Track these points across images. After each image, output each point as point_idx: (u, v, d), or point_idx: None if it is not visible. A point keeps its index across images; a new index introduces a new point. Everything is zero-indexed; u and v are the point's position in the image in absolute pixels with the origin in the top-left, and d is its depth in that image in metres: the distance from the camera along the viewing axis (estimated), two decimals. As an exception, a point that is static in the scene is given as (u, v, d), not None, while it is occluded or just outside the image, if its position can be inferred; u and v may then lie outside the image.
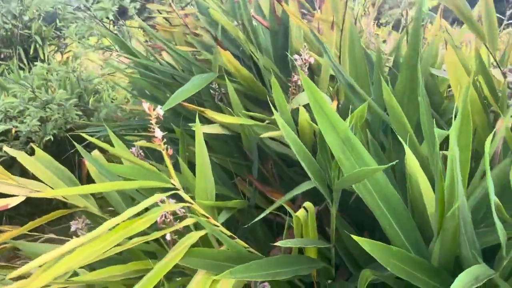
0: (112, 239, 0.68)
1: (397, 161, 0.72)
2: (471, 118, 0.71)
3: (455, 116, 1.07)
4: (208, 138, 1.26)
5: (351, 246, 0.94)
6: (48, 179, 1.12)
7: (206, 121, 1.24)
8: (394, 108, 0.81)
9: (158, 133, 0.75)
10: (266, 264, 0.76)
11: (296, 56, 1.31)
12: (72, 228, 1.28)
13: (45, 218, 1.16)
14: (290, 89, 1.19)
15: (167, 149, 0.78)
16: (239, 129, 1.18)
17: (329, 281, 0.91)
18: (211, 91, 1.43)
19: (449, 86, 1.59)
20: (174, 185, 0.79)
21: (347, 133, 0.71)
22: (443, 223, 0.66)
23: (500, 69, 1.23)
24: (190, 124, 1.10)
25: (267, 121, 1.16)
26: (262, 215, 0.94)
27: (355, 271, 0.95)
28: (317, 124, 0.97)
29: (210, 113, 1.14)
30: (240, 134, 1.20)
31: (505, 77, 1.14)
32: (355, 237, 0.66)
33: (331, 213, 0.80)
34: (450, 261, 0.74)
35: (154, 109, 0.78)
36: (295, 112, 1.19)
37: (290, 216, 0.93)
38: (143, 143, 1.04)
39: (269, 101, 1.37)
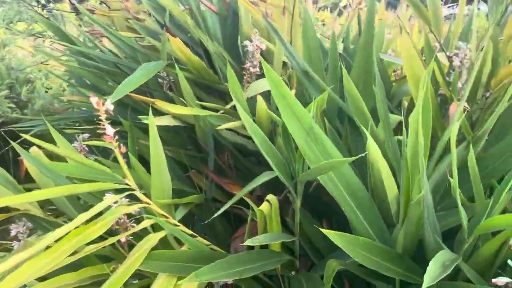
0: (65, 248, 0.62)
1: (365, 153, 0.71)
2: (431, 104, 0.71)
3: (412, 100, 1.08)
4: (159, 130, 1.20)
5: (314, 236, 0.93)
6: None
7: (155, 112, 1.18)
8: (353, 96, 0.80)
9: (110, 129, 0.69)
10: (231, 262, 0.73)
11: (247, 42, 1.27)
12: (13, 233, 1.18)
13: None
14: (244, 77, 1.15)
15: (119, 147, 0.72)
16: (192, 120, 1.13)
17: (293, 273, 0.90)
18: (159, 80, 1.36)
19: (394, 70, 1.63)
20: (129, 185, 0.73)
21: (310, 123, 0.70)
22: (408, 210, 0.66)
23: (445, 53, 1.27)
24: (140, 117, 1.04)
25: (221, 111, 1.12)
26: (221, 210, 0.90)
27: (318, 260, 0.95)
28: (275, 114, 0.95)
29: (160, 104, 1.08)
30: (193, 125, 1.16)
31: (451, 61, 1.18)
32: (324, 230, 0.64)
33: (295, 205, 0.79)
34: (413, 247, 0.75)
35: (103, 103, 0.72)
36: (249, 101, 1.16)
37: (251, 209, 0.91)
38: (94, 142, 0.96)
39: (222, 90, 1.33)
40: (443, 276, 0.57)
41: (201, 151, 1.23)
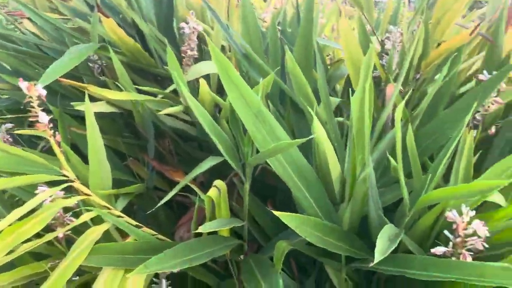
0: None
1: (312, 136, 0.72)
2: (373, 86, 0.73)
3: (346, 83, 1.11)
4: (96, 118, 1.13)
5: (261, 219, 0.93)
6: None
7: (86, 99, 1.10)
8: (297, 77, 0.81)
9: (43, 117, 0.63)
10: (179, 251, 0.71)
11: (183, 24, 1.23)
12: None
13: None
14: (183, 60, 1.11)
15: (54, 135, 0.66)
16: (129, 106, 1.07)
17: (241, 257, 0.90)
18: (90, 65, 1.28)
19: (327, 55, 1.66)
20: (66, 176, 0.68)
21: (259, 106, 0.69)
22: (354, 188, 0.69)
23: (377, 38, 1.32)
24: (73, 103, 0.97)
25: (160, 96, 1.08)
26: (165, 198, 0.88)
27: (265, 243, 0.95)
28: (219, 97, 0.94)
29: (94, 89, 1.02)
30: (130, 111, 1.10)
31: (383, 44, 1.23)
32: (276, 212, 0.65)
33: (243, 189, 0.78)
34: (357, 223, 0.78)
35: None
36: (189, 85, 1.13)
37: (198, 195, 0.89)
38: (26, 131, 0.88)
39: (158, 74, 1.28)
40: (391, 250, 0.60)
41: (139, 138, 1.17)
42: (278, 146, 0.65)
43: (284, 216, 0.65)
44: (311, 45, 0.97)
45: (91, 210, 0.71)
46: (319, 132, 0.74)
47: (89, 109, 0.78)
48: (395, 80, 0.94)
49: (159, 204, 0.89)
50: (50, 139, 0.65)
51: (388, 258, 0.77)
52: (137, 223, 0.76)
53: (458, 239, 0.70)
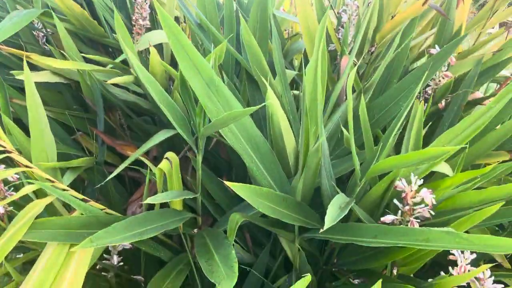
0: None
1: (263, 104, 0.70)
2: (326, 56, 0.72)
3: (304, 57, 1.10)
4: (38, 89, 1.06)
5: (215, 192, 0.92)
6: None
7: (31, 68, 1.03)
8: (253, 48, 0.79)
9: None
10: (129, 224, 0.69)
11: (133, -8, 1.17)
12: None
13: None
14: (134, 28, 1.07)
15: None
16: (76, 76, 1.02)
17: (195, 231, 0.89)
18: (34, 33, 1.20)
19: (285, 29, 1.65)
20: (4, 147, 0.63)
21: (211, 75, 0.67)
22: (307, 159, 0.68)
23: (334, 11, 1.32)
24: (13, 72, 0.90)
25: (110, 66, 1.03)
26: (116, 172, 0.84)
27: (219, 216, 0.95)
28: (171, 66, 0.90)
29: (37, 58, 0.96)
30: (77, 82, 1.05)
31: (339, 17, 1.22)
32: (229, 183, 0.63)
33: (196, 162, 0.76)
34: (310, 195, 0.79)
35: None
36: (140, 55, 1.09)
37: (149, 169, 0.87)
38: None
39: (108, 44, 1.22)
40: (340, 218, 0.60)
41: (88, 111, 1.12)
42: (231, 114, 0.63)
43: (236, 187, 0.64)
44: (267, 17, 0.95)
45: (33, 183, 0.67)
46: (273, 103, 0.73)
47: (29, 77, 0.73)
48: (350, 53, 0.94)
49: (108, 178, 0.86)
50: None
51: (338, 227, 0.79)
52: (84, 197, 0.73)
53: (407, 207, 0.72)
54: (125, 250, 0.92)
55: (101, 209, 0.77)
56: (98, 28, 1.13)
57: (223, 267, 0.65)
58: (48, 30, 1.20)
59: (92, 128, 1.05)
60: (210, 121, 0.70)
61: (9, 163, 0.85)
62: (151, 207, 0.96)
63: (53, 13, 0.97)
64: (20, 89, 1.09)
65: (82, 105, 1.14)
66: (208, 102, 0.67)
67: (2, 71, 1.19)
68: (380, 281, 0.59)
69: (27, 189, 0.65)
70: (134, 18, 1.18)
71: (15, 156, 0.64)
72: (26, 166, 0.65)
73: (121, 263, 0.91)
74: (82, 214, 0.72)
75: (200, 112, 0.68)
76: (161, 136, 0.95)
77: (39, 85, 1.08)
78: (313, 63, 0.73)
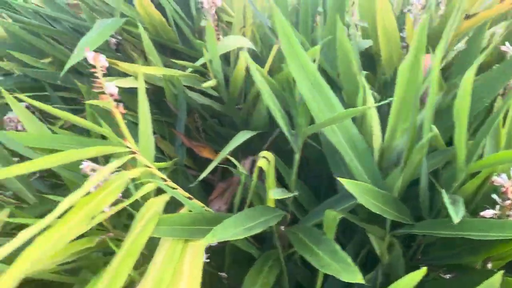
0: (78, 219, 0.56)
1: (376, 104, 0.72)
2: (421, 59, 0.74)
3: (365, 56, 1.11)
4: (120, 94, 1.11)
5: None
6: None
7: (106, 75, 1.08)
8: (346, 51, 0.81)
9: (111, 87, 0.62)
10: (238, 220, 0.72)
11: (202, -1, 1.21)
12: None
13: None
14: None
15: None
16: (157, 81, 1.06)
17: (282, 228, 0.91)
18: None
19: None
20: (130, 148, 0.67)
21: (316, 75, 0.69)
22: (411, 156, 0.70)
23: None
24: (108, 78, 0.95)
25: (189, 70, 1.07)
26: (210, 168, 0.87)
27: (300, 214, 0.97)
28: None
29: (123, 65, 1.00)
30: (155, 86, 1.09)
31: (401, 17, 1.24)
32: (341, 179, 0.66)
33: (294, 159, 0.79)
34: (403, 190, 0.81)
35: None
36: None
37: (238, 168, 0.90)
38: (97, 102, 0.86)
39: (176, 50, 1.26)
40: (463, 214, 0.62)
41: (165, 115, 1.16)
42: (336, 116, 0.65)
43: (347, 183, 0.67)
44: (343, 18, 0.97)
45: (152, 182, 0.71)
46: (370, 102, 0.75)
47: (142, 84, 0.76)
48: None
49: (201, 177, 0.89)
50: (116, 111, 0.64)
51: (432, 223, 0.80)
52: (189, 195, 0.77)
53: (508, 202, 0.73)
54: (210, 246, 0.95)
55: (202, 207, 0.81)
56: (171, 34, 1.17)
57: (334, 262, 0.67)
58: (121, 36, 1.25)
59: (172, 130, 1.09)
60: (312, 121, 0.73)
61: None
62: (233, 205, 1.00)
63: (138, 21, 1.01)
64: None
65: (157, 109, 1.18)
66: (312, 102, 0.70)
67: (80, 77, 1.26)
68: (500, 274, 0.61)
69: (148, 188, 0.69)
70: (202, 24, 1.22)
71: (139, 156, 0.68)
72: (147, 166, 0.69)
73: (208, 260, 0.94)
74: (190, 211, 0.76)
75: (303, 112, 0.71)
76: (242, 137, 0.98)
77: (121, 90, 1.13)
78: (407, 64, 0.75)
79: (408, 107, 0.75)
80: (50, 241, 0.52)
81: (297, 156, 0.78)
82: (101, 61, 0.61)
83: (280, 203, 0.88)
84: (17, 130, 1.25)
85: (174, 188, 0.73)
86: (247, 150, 1.11)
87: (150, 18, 1.07)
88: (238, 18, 1.22)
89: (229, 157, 0.92)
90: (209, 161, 1.13)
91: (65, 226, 0.54)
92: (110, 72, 1.12)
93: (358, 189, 0.68)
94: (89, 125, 0.69)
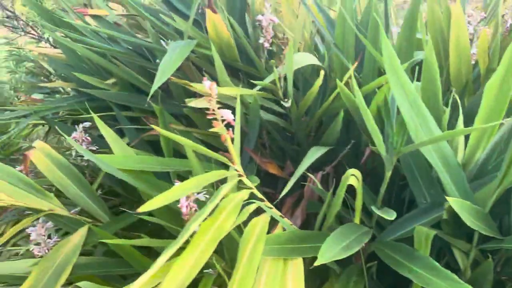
0: (204, 245, 0.57)
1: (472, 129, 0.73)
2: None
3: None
4: (190, 113, 1.14)
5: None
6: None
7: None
8: (432, 68, 0.81)
9: (228, 114, 0.64)
10: (337, 238, 0.73)
11: (260, 17, 1.24)
12: (32, 236, 1.08)
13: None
14: (284, 52, 1.12)
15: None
16: (228, 100, 1.08)
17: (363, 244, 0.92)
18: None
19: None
20: (238, 171, 0.69)
21: (414, 94, 0.71)
22: (509, 171, 0.71)
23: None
24: (187, 100, 0.98)
25: (257, 88, 1.09)
26: (289, 184, 0.89)
27: (377, 231, 0.98)
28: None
29: (197, 86, 1.02)
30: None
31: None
32: (449, 199, 0.67)
33: (385, 177, 0.80)
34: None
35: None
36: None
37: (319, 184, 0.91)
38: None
39: (235, 68, 1.29)
40: None
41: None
42: (436, 137, 0.67)
43: (454, 201, 0.68)
44: (415, 33, 0.99)
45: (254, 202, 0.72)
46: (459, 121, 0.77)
47: (238, 108, 0.79)
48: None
49: (284, 192, 0.90)
50: (226, 136, 0.66)
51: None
52: (281, 214, 0.78)
53: None
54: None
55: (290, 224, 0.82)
56: (234, 53, 1.19)
57: (439, 279, 0.68)
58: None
59: (245, 148, 1.11)
60: (407, 139, 0.74)
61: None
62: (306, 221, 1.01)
63: (212, 43, 1.03)
64: (173, 115, 1.17)
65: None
66: (410, 121, 0.71)
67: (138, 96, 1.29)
68: None
69: (252, 207, 0.70)
70: (261, 42, 1.25)
71: (244, 179, 0.70)
72: (249, 188, 0.71)
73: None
74: (284, 229, 0.77)
75: (400, 130, 0.72)
76: (316, 153, 1.00)
77: (189, 109, 1.16)
78: (495, 81, 0.76)
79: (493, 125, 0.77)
80: (185, 267, 0.54)
81: (388, 174, 0.79)
82: (214, 90, 0.63)
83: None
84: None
85: (270, 208, 0.75)
86: (311, 165, 1.13)
87: (218, 38, 1.09)
88: (297, 35, 1.24)
89: (311, 175, 0.94)
90: (269, 175, 1.15)
91: (195, 251, 0.56)
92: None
93: (462, 207, 0.69)
94: (213, 154, 0.70)
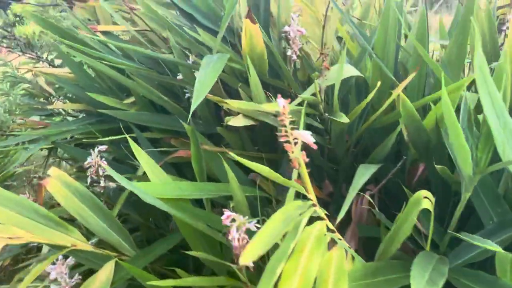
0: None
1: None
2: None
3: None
4: (224, 132, 1.05)
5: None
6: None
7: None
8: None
9: (307, 136, 0.55)
10: (419, 271, 0.65)
11: (287, 28, 1.17)
12: (52, 275, 0.98)
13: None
14: (324, 62, 1.04)
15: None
16: (259, 117, 0.99)
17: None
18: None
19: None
20: (311, 199, 0.60)
21: (501, 105, 0.63)
22: None
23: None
24: (226, 118, 0.89)
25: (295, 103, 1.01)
26: (346, 205, 0.80)
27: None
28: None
29: (232, 103, 0.94)
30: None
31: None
32: None
33: (462, 198, 0.72)
34: None
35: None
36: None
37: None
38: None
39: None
40: None
41: (265, 151, 1.10)
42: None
43: None
44: (465, 51, 0.92)
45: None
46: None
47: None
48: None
49: (340, 217, 0.81)
50: (299, 161, 0.58)
51: None
52: (347, 244, 0.69)
53: None
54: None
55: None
56: (265, 67, 1.11)
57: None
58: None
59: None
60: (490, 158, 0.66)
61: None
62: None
63: (247, 58, 0.95)
64: (206, 135, 1.08)
65: (255, 145, 1.11)
66: (498, 136, 0.64)
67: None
68: None
69: (326, 240, 0.61)
70: (288, 54, 1.17)
71: (319, 210, 0.61)
72: (322, 218, 0.62)
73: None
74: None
75: (484, 147, 0.65)
76: (366, 172, 0.92)
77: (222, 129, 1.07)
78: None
79: None
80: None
81: (467, 195, 0.71)
82: (287, 108, 0.55)
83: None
84: (97, 175, 1.19)
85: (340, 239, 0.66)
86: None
87: (251, 51, 1.01)
88: (329, 44, 1.17)
89: (366, 195, 0.85)
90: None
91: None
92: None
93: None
94: (288, 183, 0.61)
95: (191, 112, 0.80)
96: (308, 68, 1.25)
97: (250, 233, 0.75)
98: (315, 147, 0.55)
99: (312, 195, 0.60)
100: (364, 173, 0.91)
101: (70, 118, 1.49)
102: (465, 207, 0.92)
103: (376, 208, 0.98)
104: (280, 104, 0.54)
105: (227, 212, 0.74)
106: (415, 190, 1.03)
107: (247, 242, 0.75)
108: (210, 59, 0.94)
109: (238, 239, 0.74)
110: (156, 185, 0.81)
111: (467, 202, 0.93)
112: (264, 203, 1.04)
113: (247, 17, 0.90)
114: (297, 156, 0.55)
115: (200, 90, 0.84)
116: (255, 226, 0.76)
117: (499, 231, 0.83)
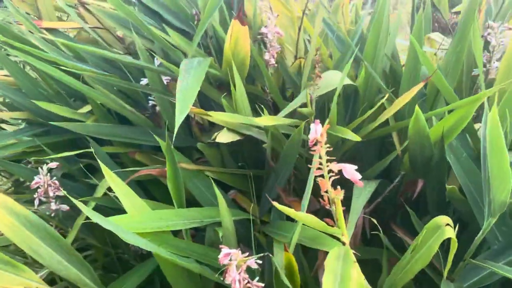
0: None
1: None
2: None
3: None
4: (204, 148, 0.92)
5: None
6: None
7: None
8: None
9: (351, 171, 0.44)
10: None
11: (264, 29, 1.08)
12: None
13: None
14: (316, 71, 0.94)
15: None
16: (243, 130, 0.88)
17: None
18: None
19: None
20: (345, 244, 0.50)
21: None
22: None
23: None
24: (216, 134, 0.77)
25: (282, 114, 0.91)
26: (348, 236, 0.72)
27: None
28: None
29: (215, 115, 0.82)
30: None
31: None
32: None
33: (485, 225, 0.66)
34: None
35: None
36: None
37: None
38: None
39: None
40: None
41: (242, 167, 0.98)
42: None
43: None
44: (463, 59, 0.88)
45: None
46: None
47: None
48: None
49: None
50: (335, 195, 0.47)
51: None
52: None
53: None
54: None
55: None
56: (244, 73, 1.00)
57: None
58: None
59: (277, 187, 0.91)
60: None
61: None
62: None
63: (233, 64, 0.84)
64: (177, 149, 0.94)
65: (237, 161, 1.00)
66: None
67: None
68: None
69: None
70: (266, 58, 1.08)
71: (351, 252, 0.52)
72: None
73: None
74: None
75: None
76: (367, 190, 0.84)
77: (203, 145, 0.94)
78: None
79: None
80: None
81: (492, 221, 0.65)
82: (324, 138, 0.44)
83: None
84: (46, 196, 1.02)
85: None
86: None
87: (234, 56, 0.90)
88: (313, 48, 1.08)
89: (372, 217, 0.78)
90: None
91: None
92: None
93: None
94: (322, 227, 0.50)
95: (176, 129, 0.67)
96: (283, 73, 1.16)
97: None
98: (361, 184, 0.45)
99: (347, 239, 0.50)
100: (362, 192, 0.83)
101: (8, 128, 1.28)
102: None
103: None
104: (317, 132, 0.44)
105: (224, 250, 0.62)
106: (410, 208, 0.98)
107: (248, 282, 0.65)
108: (189, 65, 0.81)
109: (240, 281, 0.63)
110: (136, 219, 0.67)
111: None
112: (247, 225, 0.94)
113: (236, 18, 0.78)
114: (335, 196, 0.45)
115: (184, 102, 0.72)
116: (256, 262, 0.65)
117: (506, 251, 0.79)
